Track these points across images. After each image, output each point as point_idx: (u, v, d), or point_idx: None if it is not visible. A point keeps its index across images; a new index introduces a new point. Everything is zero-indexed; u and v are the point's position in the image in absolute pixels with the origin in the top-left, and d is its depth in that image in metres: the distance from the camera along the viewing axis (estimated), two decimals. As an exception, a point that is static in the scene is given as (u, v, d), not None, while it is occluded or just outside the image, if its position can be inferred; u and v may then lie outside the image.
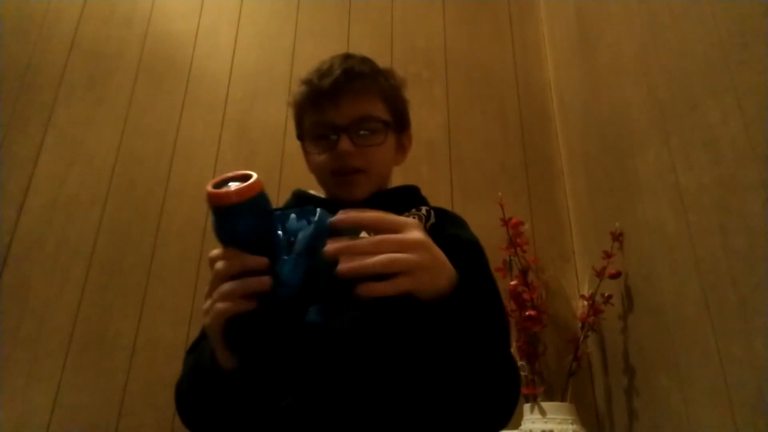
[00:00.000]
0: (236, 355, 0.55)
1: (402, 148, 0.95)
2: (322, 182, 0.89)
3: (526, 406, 1.26)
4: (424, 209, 0.84)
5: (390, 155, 0.90)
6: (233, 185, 0.50)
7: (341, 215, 0.51)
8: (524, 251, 1.42)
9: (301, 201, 0.89)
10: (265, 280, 0.49)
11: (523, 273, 1.38)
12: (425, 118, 1.70)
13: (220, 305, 0.52)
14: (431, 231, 0.81)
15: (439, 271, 0.55)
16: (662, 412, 1.10)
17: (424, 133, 1.68)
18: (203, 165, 1.61)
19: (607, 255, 1.27)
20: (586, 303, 1.32)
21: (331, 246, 0.49)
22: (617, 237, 1.29)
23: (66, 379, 1.34)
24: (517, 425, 1.25)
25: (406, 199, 0.89)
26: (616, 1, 1.39)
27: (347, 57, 0.88)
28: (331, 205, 0.86)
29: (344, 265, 0.49)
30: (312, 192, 0.91)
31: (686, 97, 1.05)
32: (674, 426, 1.06)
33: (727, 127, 0.93)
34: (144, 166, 1.60)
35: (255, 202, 0.50)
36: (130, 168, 1.59)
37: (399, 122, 0.91)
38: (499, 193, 1.49)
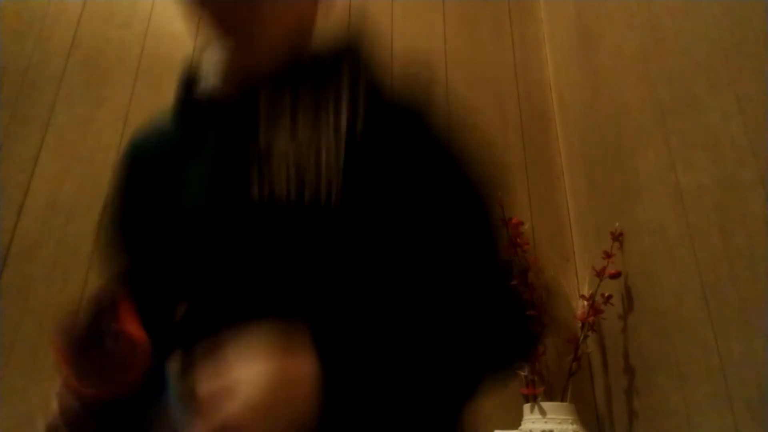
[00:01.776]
0: None
1: None
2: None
3: (526, 406, 1.26)
4: (344, 119, 0.57)
5: (298, 7, 0.62)
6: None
7: None
8: (524, 251, 1.41)
9: (186, 106, 0.68)
10: None
11: (523, 273, 1.38)
12: (425, 118, 1.70)
13: None
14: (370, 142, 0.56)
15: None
16: (662, 412, 1.10)
17: (424, 133, 1.68)
18: (203, 165, 1.61)
19: (607, 255, 1.27)
20: (586, 303, 1.32)
21: None
22: (617, 237, 1.29)
23: (66, 379, 1.34)
24: (517, 425, 1.25)
25: (329, 77, 0.60)
26: (616, 1, 1.39)
27: None
28: (220, 109, 0.62)
29: None
30: (199, 92, 0.66)
31: (686, 97, 1.05)
32: (674, 426, 1.06)
33: (727, 127, 0.93)
34: (144, 166, 1.60)
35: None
36: (130, 168, 1.59)
37: None
38: (499, 193, 1.49)
